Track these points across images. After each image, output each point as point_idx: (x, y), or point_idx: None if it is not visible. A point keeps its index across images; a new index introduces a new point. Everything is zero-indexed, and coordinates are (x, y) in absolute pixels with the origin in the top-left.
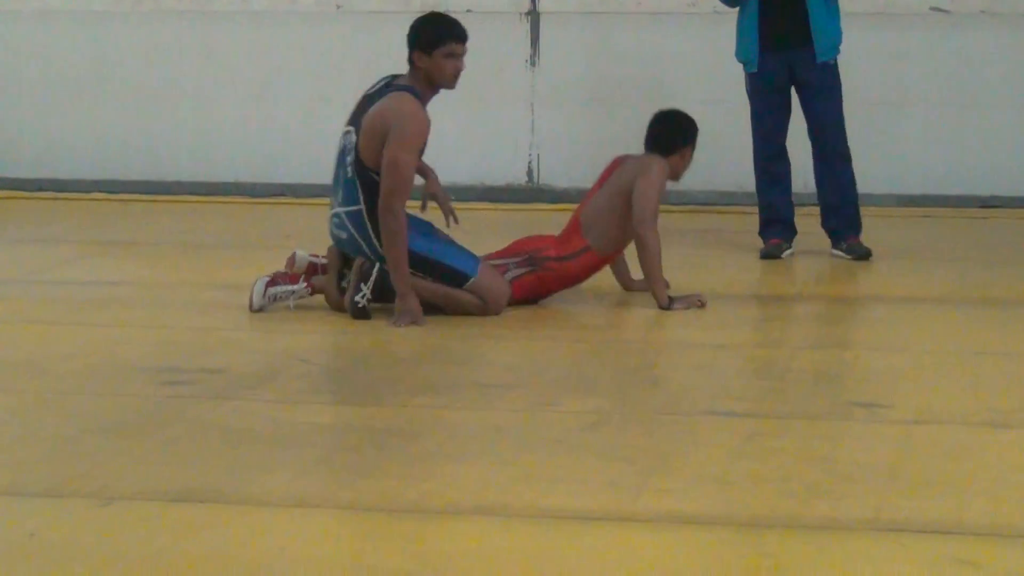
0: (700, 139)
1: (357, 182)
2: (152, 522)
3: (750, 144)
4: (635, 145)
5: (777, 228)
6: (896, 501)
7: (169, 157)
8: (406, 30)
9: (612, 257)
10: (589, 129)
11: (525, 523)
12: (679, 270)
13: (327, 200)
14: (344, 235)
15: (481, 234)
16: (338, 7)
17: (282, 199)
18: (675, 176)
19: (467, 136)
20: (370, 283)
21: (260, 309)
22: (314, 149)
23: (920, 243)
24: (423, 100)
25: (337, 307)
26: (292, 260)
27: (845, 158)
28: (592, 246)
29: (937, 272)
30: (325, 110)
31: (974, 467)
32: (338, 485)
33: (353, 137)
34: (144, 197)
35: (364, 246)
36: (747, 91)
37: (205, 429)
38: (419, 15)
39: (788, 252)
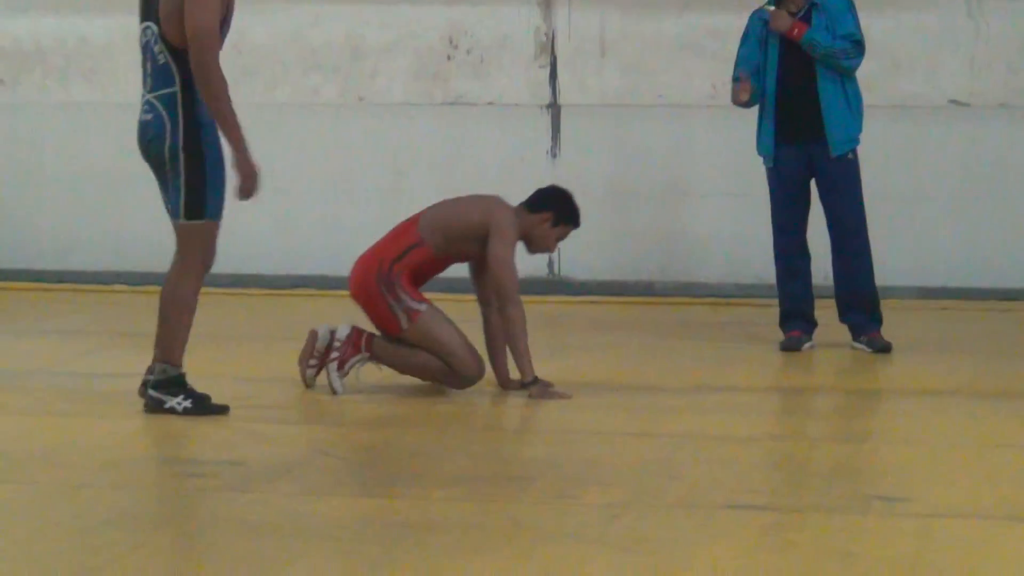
0: (720, 231)
1: (172, 65)
2: None
3: (771, 237)
4: (655, 237)
5: (797, 321)
6: None
7: None
8: (429, 123)
9: (443, 260)
10: (610, 221)
11: None
12: (700, 363)
13: (347, 292)
14: (150, 116)
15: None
16: (360, 99)
17: (303, 291)
18: (529, 243)
19: None
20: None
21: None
22: (335, 241)
23: (940, 335)
24: None
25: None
26: (314, 337)
27: (863, 252)
28: (426, 242)
29: (957, 365)
30: (347, 202)
31: (994, 562)
32: None
33: (154, 27)
34: None
35: (168, 129)
36: (768, 184)
37: (223, 522)
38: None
39: (808, 345)
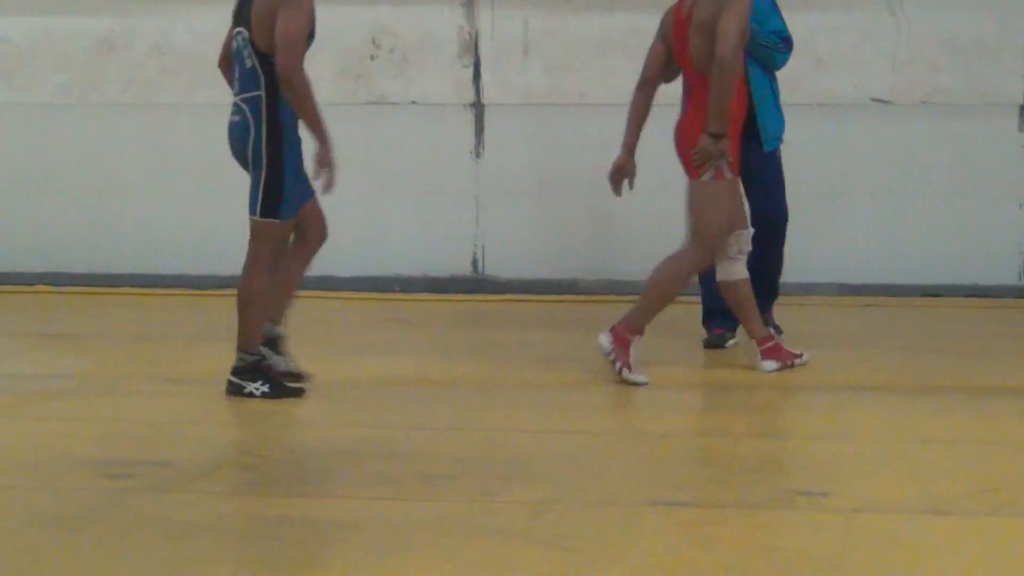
0: (644, 228)
1: (258, 69)
2: None
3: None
4: (579, 235)
5: (720, 318)
6: None
7: (114, 249)
8: (351, 122)
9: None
10: (534, 220)
11: None
12: None
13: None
14: (237, 118)
15: (426, 325)
16: None
17: (227, 291)
18: None
19: (412, 227)
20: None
21: None
22: None
23: (862, 332)
24: None
25: None
26: None
27: (778, 245)
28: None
29: (879, 361)
30: None
31: (916, 555)
32: None
33: (245, 33)
34: (88, 290)
35: (252, 131)
36: None
37: (148, 522)
38: (367, 104)
39: (732, 341)
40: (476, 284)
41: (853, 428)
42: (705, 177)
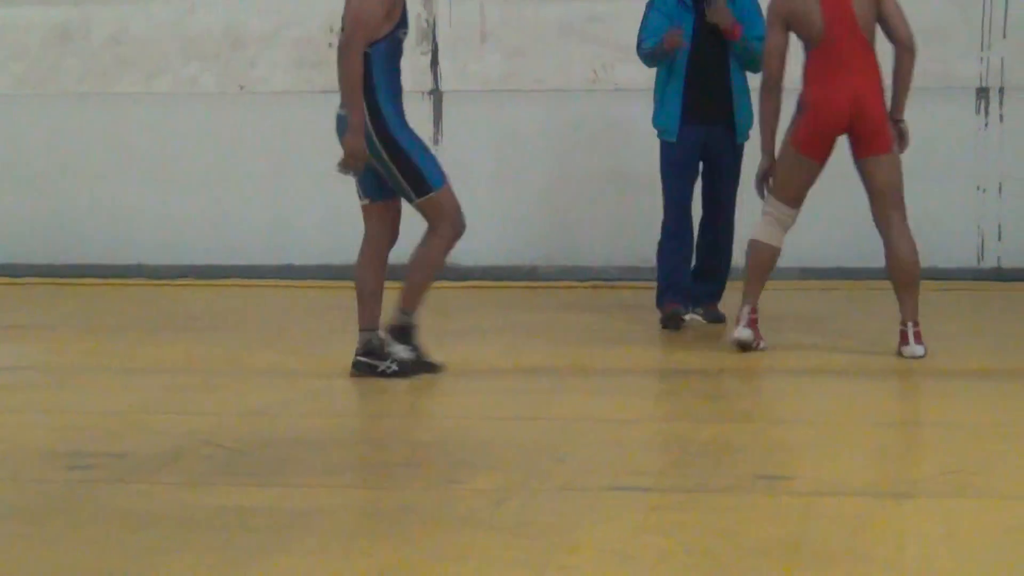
0: (601, 214)
1: None
2: None
3: (652, 218)
4: (538, 222)
5: (675, 294)
6: (800, 574)
7: (72, 240)
8: (307, 110)
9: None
10: (493, 207)
11: None
12: (585, 346)
13: (230, 281)
14: (343, 112)
15: (387, 313)
16: (240, 88)
17: (186, 280)
18: None
19: None
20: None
21: None
22: (218, 230)
23: (823, 315)
24: None
25: None
26: None
27: (730, 229)
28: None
29: (839, 344)
30: (228, 191)
31: (877, 538)
32: (243, 567)
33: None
34: (46, 280)
35: None
36: (661, 161)
37: (109, 513)
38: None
39: (688, 316)
40: None
41: (813, 412)
42: (895, 148)
